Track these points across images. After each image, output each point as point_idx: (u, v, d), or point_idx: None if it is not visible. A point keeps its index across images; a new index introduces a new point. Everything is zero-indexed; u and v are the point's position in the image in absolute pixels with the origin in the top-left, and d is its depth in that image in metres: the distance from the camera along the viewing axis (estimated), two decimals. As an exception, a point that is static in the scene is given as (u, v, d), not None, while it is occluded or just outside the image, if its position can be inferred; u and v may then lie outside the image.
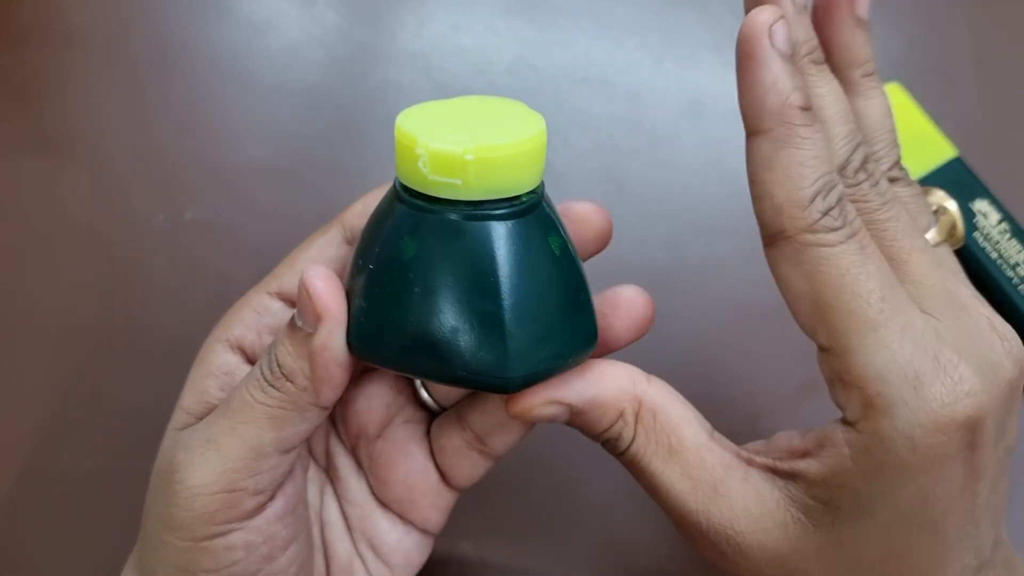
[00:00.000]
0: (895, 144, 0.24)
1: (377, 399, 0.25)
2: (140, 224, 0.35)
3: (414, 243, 0.19)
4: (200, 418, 0.22)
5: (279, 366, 0.20)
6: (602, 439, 0.22)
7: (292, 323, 0.20)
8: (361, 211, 0.23)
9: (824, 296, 0.19)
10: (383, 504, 0.25)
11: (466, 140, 0.17)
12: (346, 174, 0.36)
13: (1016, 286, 0.32)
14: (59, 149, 0.37)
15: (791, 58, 0.20)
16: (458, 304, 0.18)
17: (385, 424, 0.25)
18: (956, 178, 0.33)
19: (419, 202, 0.19)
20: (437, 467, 0.25)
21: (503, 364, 0.18)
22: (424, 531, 0.25)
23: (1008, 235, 0.33)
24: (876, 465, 0.19)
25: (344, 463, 0.26)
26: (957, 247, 0.25)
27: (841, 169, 0.21)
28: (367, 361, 0.20)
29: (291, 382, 0.20)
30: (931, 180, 0.33)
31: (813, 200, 0.19)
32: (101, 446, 0.32)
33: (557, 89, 0.37)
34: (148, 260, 0.35)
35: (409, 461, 0.25)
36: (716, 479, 0.21)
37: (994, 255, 0.32)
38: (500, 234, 0.18)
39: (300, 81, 0.37)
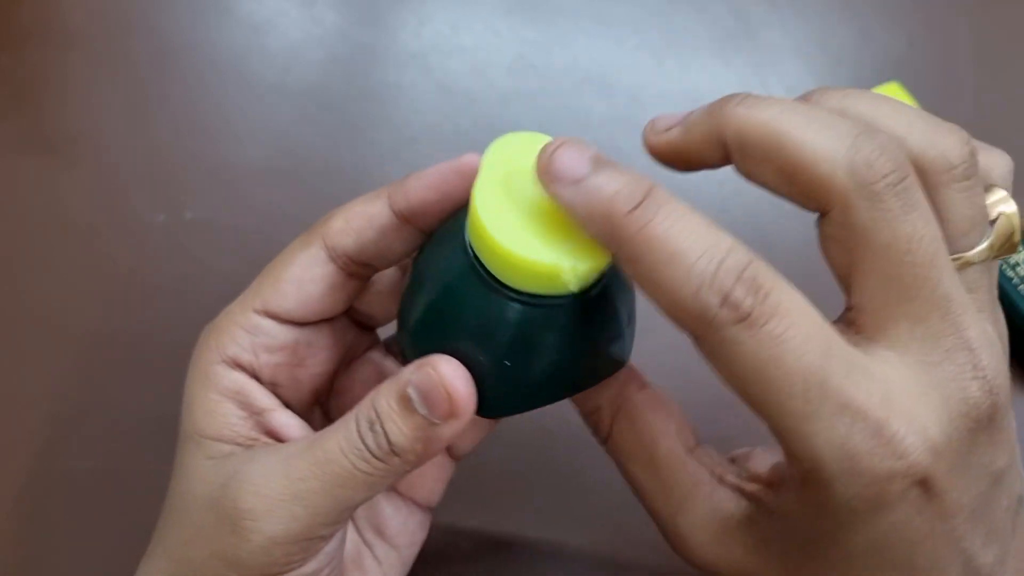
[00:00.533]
0: (958, 139, 0.22)
1: (372, 377, 0.25)
2: (140, 224, 0.35)
3: (526, 327, 0.20)
4: (230, 443, 0.22)
5: (389, 443, 0.20)
6: (587, 424, 0.23)
7: (409, 405, 0.20)
8: (343, 228, 0.23)
9: (749, 391, 0.18)
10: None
11: (568, 263, 0.19)
12: (346, 174, 0.36)
13: (1016, 286, 0.32)
14: (59, 149, 0.37)
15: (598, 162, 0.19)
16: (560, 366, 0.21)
17: None
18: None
19: (515, 294, 0.20)
20: None
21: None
22: (426, 508, 0.26)
23: (1008, 235, 0.33)
24: (821, 517, 0.19)
25: None
26: (1010, 255, 0.22)
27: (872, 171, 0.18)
28: (492, 418, 0.23)
29: (399, 457, 0.20)
30: (931, 180, 0.33)
31: (696, 295, 0.17)
32: (101, 447, 0.32)
33: (558, 89, 0.37)
34: (148, 260, 0.35)
35: None
36: (684, 492, 0.21)
37: (994, 255, 0.32)
38: (591, 306, 0.20)
39: (300, 81, 0.37)
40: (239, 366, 0.23)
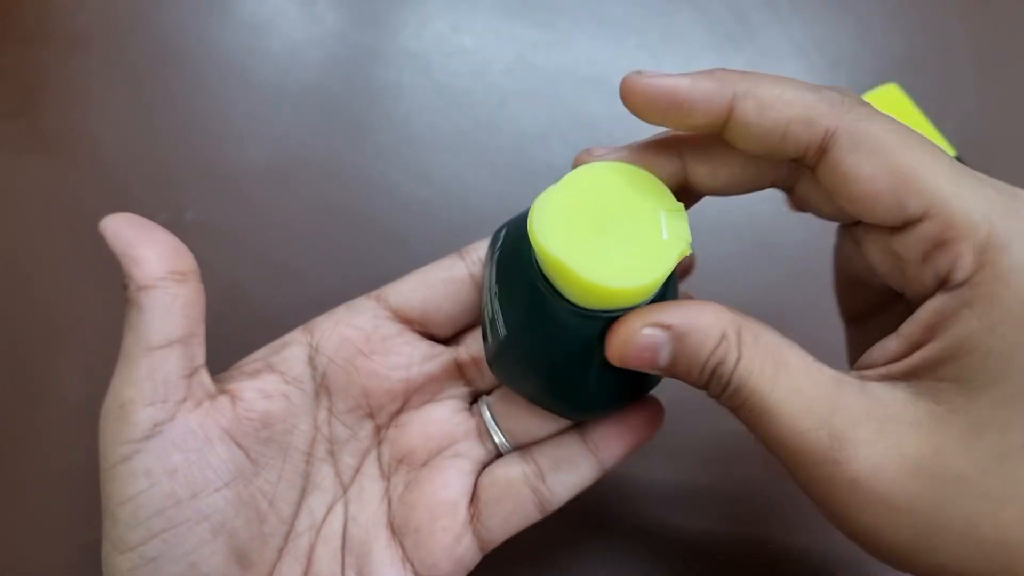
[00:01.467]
0: None
1: (436, 428, 0.25)
2: (141, 224, 0.35)
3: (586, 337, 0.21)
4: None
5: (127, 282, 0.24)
6: (706, 369, 0.20)
7: None
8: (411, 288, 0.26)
9: (901, 165, 0.18)
10: (394, 533, 0.25)
11: (630, 279, 0.20)
12: (346, 173, 0.36)
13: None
14: (61, 149, 0.37)
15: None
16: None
17: (435, 454, 0.25)
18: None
19: (583, 310, 0.21)
20: (471, 510, 0.25)
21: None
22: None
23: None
24: (1004, 312, 0.18)
25: (373, 485, 0.25)
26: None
27: None
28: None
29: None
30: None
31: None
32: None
33: (557, 89, 0.37)
34: (149, 260, 0.35)
35: (445, 491, 0.24)
36: (830, 394, 0.19)
37: (993, 255, 0.32)
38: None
39: (300, 81, 0.37)
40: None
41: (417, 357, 0.26)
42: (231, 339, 0.34)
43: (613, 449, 0.25)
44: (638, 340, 0.20)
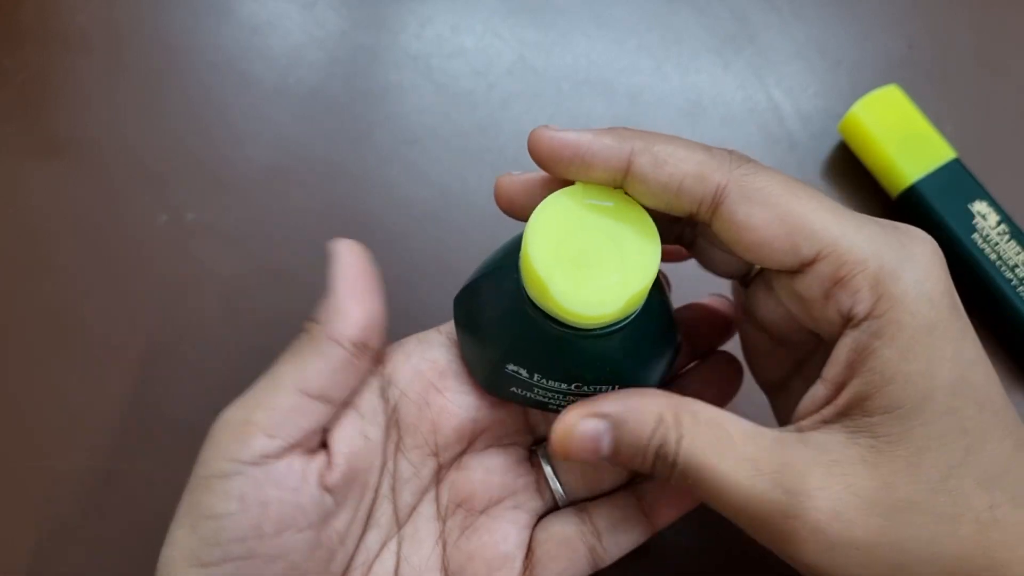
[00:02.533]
0: None
1: (498, 476, 0.25)
2: (142, 224, 0.35)
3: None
4: None
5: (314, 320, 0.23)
6: (648, 453, 0.21)
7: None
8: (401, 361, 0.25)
9: (791, 212, 0.20)
10: None
11: (608, 302, 0.21)
12: (347, 175, 0.36)
13: (1015, 288, 0.32)
14: (61, 150, 0.37)
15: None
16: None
17: (495, 502, 0.25)
18: (955, 179, 0.33)
19: (567, 329, 0.22)
20: (526, 563, 0.25)
21: None
22: None
23: (1007, 237, 0.33)
24: (911, 336, 0.19)
25: (428, 526, 0.25)
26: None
27: None
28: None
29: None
30: (930, 181, 0.33)
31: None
32: (102, 446, 0.33)
33: (558, 90, 0.37)
34: (150, 261, 0.35)
35: (504, 544, 0.25)
36: (775, 453, 0.20)
37: (993, 256, 0.32)
38: (621, 338, 0.22)
39: (301, 82, 0.37)
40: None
41: (487, 399, 0.25)
42: (230, 339, 0.34)
43: (667, 515, 0.25)
44: (579, 432, 0.21)
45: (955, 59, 0.37)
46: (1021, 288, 0.32)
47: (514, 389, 0.24)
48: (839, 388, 0.20)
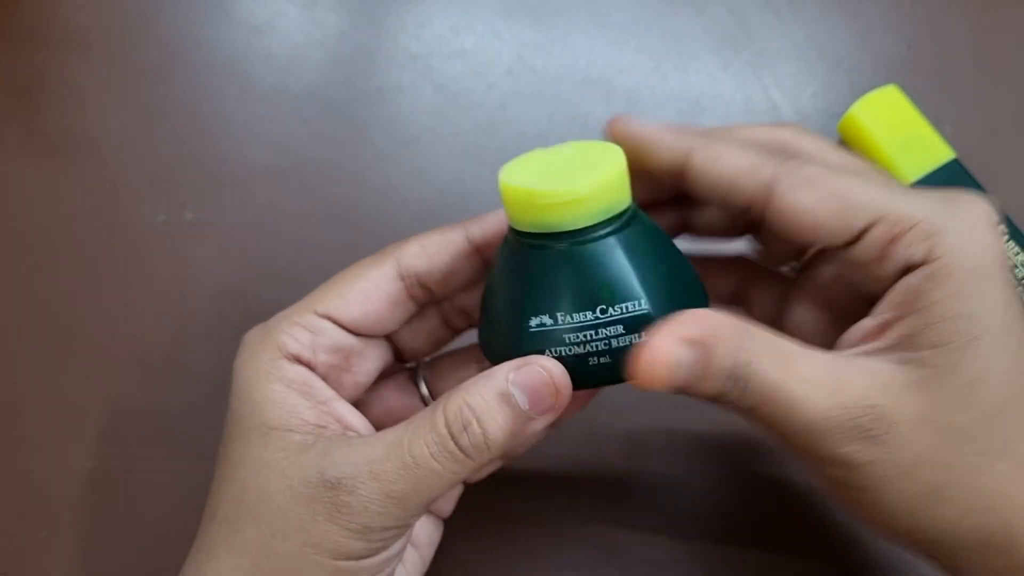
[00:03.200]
0: None
1: (393, 403, 0.28)
2: (141, 224, 0.35)
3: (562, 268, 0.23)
4: (299, 432, 0.23)
5: (486, 440, 0.22)
6: (723, 377, 0.21)
7: (510, 401, 0.22)
8: (418, 252, 0.25)
9: (838, 191, 0.22)
10: None
11: (575, 183, 0.21)
12: (346, 175, 0.36)
13: (1015, 289, 0.32)
14: (60, 150, 0.37)
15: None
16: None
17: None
18: (954, 180, 0.33)
19: (547, 240, 0.22)
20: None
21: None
22: (439, 518, 0.28)
23: (1006, 237, 0.33)
24: (962, 279, 0.21)
25: None
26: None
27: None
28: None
29: (489, 452, 0.22)
30: (929, 181, 0.33)
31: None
32: (102, 446, 0.33)
33: (557, 90, 0.37)
34: (148, 260, 0.35)
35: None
36: (831, 374, 0.21)
37: (992, 257, 0.32)
38: (622, 241, 0.22)
39: (300, 82, 0.37)
40: (299, 361, 0.24)
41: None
42: (229, 340, 0.34)
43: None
44: (669, 357, 0.21)
45: (954, 59, 0.37)
46: (1020, 289, 0.32)
47: (550, 352, 0.23)
48: (886, 326, 0.21)
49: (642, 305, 0.22)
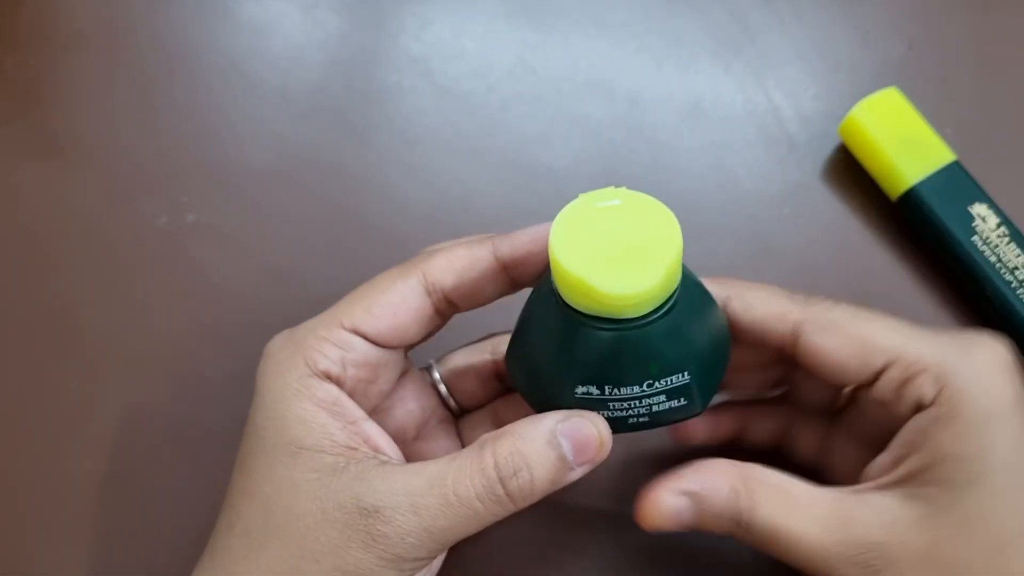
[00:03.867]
0: None
1: (413, 405, 0.28)
2: (142, 226, 0.36)
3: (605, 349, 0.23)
4: (330, 453, 0.23)
5: (533, 487, 0.23)
6: (726, 521, 0.24)
7: (560, 454, 0.23)
8: (445, 267, 0.25)
9: (859, 334, 0.24)
10: None
11: (637, 282, 0.21)
12: (348, 176, 0.36)
13: (1015, 290, 0.32)
14: (62, 151, 0.37)
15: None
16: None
17: (421, 426, 0.28)
18: (954, 182, 0.33)
19: (606, 325, 0.22)
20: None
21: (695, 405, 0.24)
22: None
23: (1007, 239, 0.33)
24: (967, 422, 0.22)
25: None
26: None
27: None
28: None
29: (532, 497, 0.23)
30: (929, 183, 0.33)
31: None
32: (104, 447, 0.33)
33: (558, 92, 0.37)
34: (150, 262, 0.35)
35: (443, 452, 0.28)
36: (837, 512, 0.23)
37: (993, 259, 0.32)
38: (669, 324, 0.23)
39: (302, 84, 0.38)
40: (329, 378, 0.24)
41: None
42: (230, 340, 0.34)
43: None
44: (665, 508, 0.24)
45: (955, 61, 0.37)
46: (1021, 290, 0.32)
47: None
48: (897, 462, 0.23)
49: (685, 377, 0.23)
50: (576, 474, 0.23)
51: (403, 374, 0.28)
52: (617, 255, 0.22)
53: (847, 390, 0.28)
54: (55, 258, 0.35)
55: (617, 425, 0.24)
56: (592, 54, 0.38)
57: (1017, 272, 0.32)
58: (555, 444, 0.23)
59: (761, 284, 0.26)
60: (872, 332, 0.24)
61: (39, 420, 0.33)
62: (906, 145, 0.34)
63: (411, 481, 0.22)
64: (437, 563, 0.27)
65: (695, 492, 0.24)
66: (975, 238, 0.33)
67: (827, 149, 0.36)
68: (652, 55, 0.38)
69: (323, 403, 0.24)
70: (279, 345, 0.25)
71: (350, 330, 0.25)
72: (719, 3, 0.38)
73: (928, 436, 0.23)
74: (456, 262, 0.25)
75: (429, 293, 0.25)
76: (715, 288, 0.25)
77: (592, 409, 0.24)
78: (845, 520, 0.22)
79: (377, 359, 0.25)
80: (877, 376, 0.24)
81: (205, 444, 0.32)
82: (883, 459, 0.24)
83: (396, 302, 0.25)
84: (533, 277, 0.26)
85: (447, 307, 0.26)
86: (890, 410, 0.24)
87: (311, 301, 0.34)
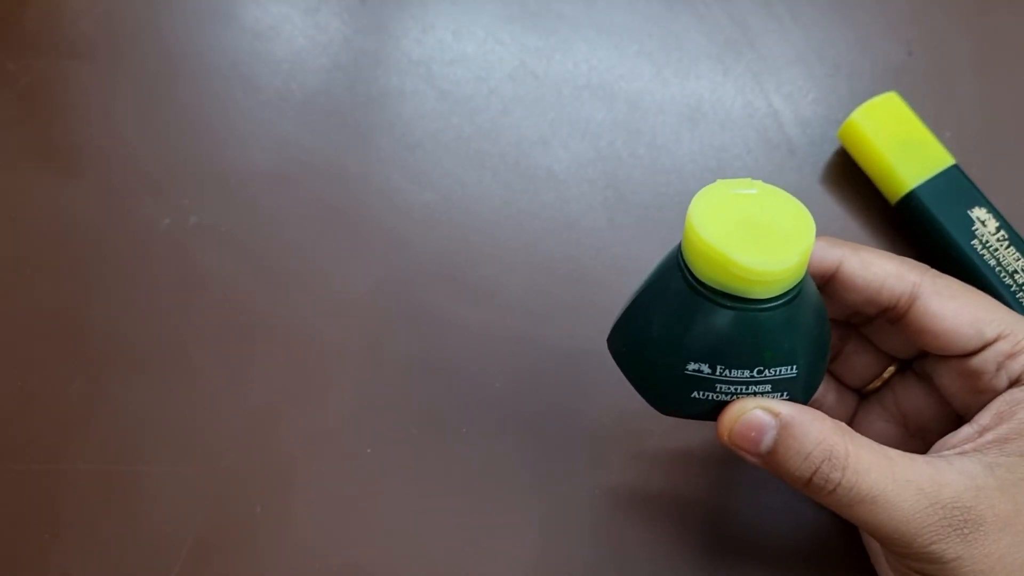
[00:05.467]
0: None
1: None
2: (145, 229, 0.36)
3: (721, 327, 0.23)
4: None
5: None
6: (809, 469, 0.23)
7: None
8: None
9: (974, 304, 0.25)
10: None
11: (775, 261, 0.22)
12: (349, 180, 0.36)
13: (1015, 294, 0.32)
14: (65, 155, 0.37)
15: None
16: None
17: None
18: (954, 186, 0.33)
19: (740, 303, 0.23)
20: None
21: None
22: None
23: (1006, 243, 0.33)
24: None
25: None
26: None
27: None
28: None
29: None
30: (929, 187, 0.33)
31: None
32: (105, 448, 0.33)
33: (558, 96, 0.38)
34: (153, 264, 0.35)
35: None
36: (931, 476, 0.23)
37: (992, 263, 0.33)
38: (789, 313, 0.23)
39: (304, 87, 0.38)
40: None
41: None
42: (232, 343, 0.34)
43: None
44: (748, 418, 0.23)
45: (954, 66, 0.37)
46: (1021, 294, 0.32)
47: (696, 394, 0.24)
48: (984, 431, 0.24)
49: (793, 371, 0.24)
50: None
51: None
52: (752, 236, 0.22)
53: (890, 371, 0.29)
54: (58, 260, 0.35)
55: (712, 409, 0.24)
56: (592, 58, 0.38)
57: (1017, 276, 0.32)
58: None
59: (871, 248, 0.27)
60: (985, 304, 0.25)
61: (41, 420, 0.33)
62: (905, 149, 0.34)
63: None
64: None
65: (790, 418, 0.23)
66: (974, 242, 0.33)
67: (826, 153, 0.36)
68: (652, 59, 0.38)
69: None
70: None
71: None
72: (719, 7, 0.38)
73: (1022, 407, 0.24)
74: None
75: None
76: (828, 248, 0.26)
77: (698, 387, 0.24)
78: (939, 484, 0.23)
79: None
80: (984, 347, 0.25)
81: (207, 444, 0.33)
82: (967, 430, 0.24)
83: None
84: None
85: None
86: (983, 382, 0.25)
87: (313, 303, 0.35)
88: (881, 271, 0.26)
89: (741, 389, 0.24)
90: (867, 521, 0.23)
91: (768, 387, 0.24)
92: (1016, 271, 0.32)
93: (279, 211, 0.36)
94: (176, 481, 0.32)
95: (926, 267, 0.26)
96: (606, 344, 0.26)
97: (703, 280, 0.23)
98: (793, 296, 0.23)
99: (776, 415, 0.23)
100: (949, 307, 0.25)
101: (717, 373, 0.23)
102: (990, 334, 0.25)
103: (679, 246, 0.24)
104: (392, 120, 0.37)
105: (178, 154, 0.37)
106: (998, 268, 0.32)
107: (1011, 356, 0.24)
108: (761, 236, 0.22)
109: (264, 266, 0.35)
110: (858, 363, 0.30)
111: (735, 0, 0.38)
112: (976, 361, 0.25)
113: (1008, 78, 0.37)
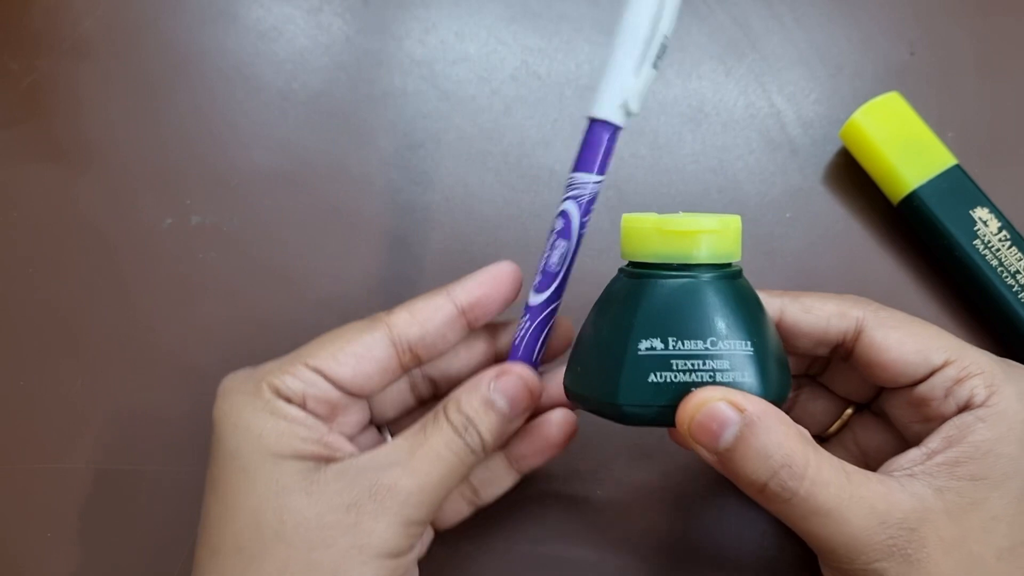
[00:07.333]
0: None
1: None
2: (147, 228, 0.36)
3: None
4: (316, 460, 0.25)
5: (481, 440, 0.25)
6: (770, 466, 0.22)
7: (493, 407, 0.25)
8: (409, 320, 0.26)
9: (920, 333, 0.26)
10: None
11: (696, 220, 0.24)
12: (351, 180, 0.36)
13: (1017, 294, 0.32)
14: (67, 155, 0.37)
15: None
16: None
17: None
18: (956, 186, 0.33)
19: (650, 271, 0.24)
20: None
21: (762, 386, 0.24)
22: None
23: (1008, 243, 0.33)
24: (1008, 427, 0.24)
25: None
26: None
27: None
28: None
29: (485, 452, 0.25)
30: (931, 187, 0.33)
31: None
32: (106, 448, 0.33)
33: (560, 96, 0.38)
34: (155, 264, 0.35)
35: None
36: (884, 496, 0.23)
37: (994, 263, 0.33)
38: (732, 288, 0.24)
39: (306, 87, 0.38)
40: (291, 402, 0.25)
41: None
42: (234, 342, 0.34)
43: (532, 462, 0.29)
44: (711, 409, 0.22)
45: (956, 66, 0.37)
46: (1022, 294, 0.32)
47: (653, 377, 0.23)
48: (933, 454, 0.24)
49: (748, 347, 0.23)
50: (516, 424, 0.26)
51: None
52: (684, 218, 0.24)
53: (847, 413, 0.29)
54: (60, 260, 0.35)
55: (677, 393, 0.23)
56: (595, 58, 0.38)
57: (1019, 276, 0.32)
58: (490, 401, 0.25)
59: (812, 292, 0.27)
60: (931, 333, 0.25)
61: (43, 420, 0.33)
62: (907, 149, 0.34)
63: (396, 452, 0.24)
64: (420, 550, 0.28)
65: (755, 416, 0.22)
66: (976, 242, 0.33)
67: (829, 153, 0.36)
68: (654, 59, 0.38)
69: (295, 420, 0.25)
70: (239, 380, 0.26)
71: (313, 369, 0.25)
72: (721, 7, 0.38)
73: (972, 432, 0.24)
74: (417, 313, 0.27)
75: (395, 344, 0.26)
76: (768, 299, 0.26)
77: (655, 368, 0.23)
78: (890, 504, 0.23)
79: (336, 400, 0.26)
80: (931, 373, 0.25)
81: (206, 445, 0.32)
82: (915, 452, 0.24)
83: (360, 351, 0.26)
84: (488, 317, 0.27)
85: (411, 359, 0.27)
86: (932, 409, 0.25)
87: (314, 303, 0.35)
88: (823, 312, 0.26)
89: (698, 365, 0.23)
90: (816, 534, 0.23)
91: (726, 364, 0.23)
92: (1018, 271, 0.32)
93: (281, 211, 0.36)
94: (176, 481, 0.32)
95: (869, 301, 0.27)
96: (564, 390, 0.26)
97: (643, 260, 0.24)
98: (733, 274, 0.24)
99: (741, 411, 0.22)
100: (893, 337, 0.25)
101: (670, 347, 0.23)
102: (937, 360, 0.25)
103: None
104: (394, 120, 0.37)
105: (180, 154, 0.37)
106: (1000, 268, 0.32)
107: (958, 382, 0.25)
108: (691, 217, 0.24)
109: (266, 266, 0.35)
110: (816, 409, 0.30)
111: (737, 1, 0.38)
112: (923, 388, 0.25)
113: (1010, 78, 0.37)
